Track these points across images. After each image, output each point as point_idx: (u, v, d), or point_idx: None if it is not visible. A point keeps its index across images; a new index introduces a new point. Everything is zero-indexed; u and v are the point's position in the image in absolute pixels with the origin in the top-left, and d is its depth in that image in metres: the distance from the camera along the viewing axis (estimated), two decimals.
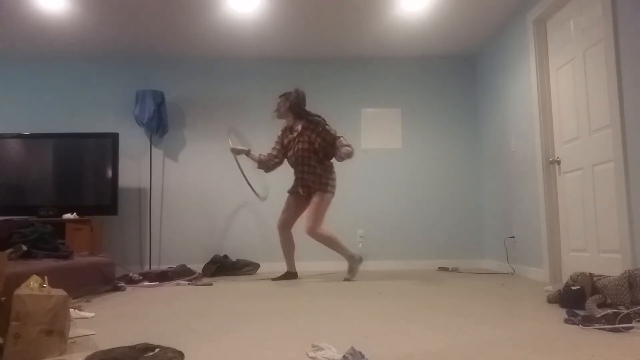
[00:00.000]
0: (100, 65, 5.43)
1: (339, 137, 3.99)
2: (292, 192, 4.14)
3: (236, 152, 4.25)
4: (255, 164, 4.27)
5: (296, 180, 4.12)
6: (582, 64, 3.45)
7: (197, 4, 4.20)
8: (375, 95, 5.47)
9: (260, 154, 4.24)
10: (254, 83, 5.46)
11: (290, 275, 4.21)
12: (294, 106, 4.07)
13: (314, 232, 3.95)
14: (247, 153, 4.23)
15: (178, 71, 5.45)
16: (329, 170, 4.07)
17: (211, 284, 3.89)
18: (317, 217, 3.96)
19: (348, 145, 3.90)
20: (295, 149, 4.03)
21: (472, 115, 5.45)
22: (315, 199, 3.98)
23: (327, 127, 4.02)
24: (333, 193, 4.07)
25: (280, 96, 4.17)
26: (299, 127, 4.06)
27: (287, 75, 5.46)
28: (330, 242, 4.01)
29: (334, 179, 4.08)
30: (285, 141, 4.17)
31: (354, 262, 4.04)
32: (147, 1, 4.15)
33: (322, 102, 5.44)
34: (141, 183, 5.31)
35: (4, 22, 4.45)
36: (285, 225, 4.17)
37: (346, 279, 3.96)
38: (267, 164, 4.22)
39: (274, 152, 4.22)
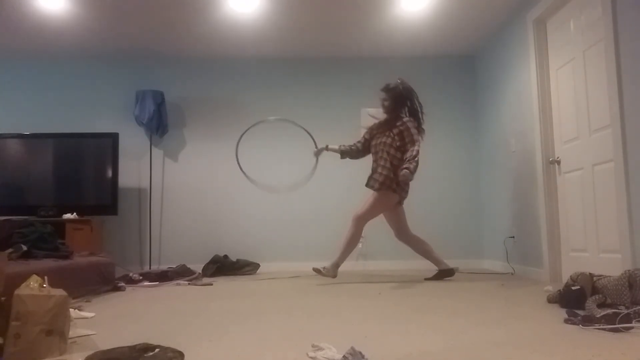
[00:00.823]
0: (100, 65, 5.43)
1: (413, 148, 3.81)
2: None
3: (319, 153, 4.28)
4: (338, 155, 4.25)
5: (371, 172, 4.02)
6: (582, 64, 3.45)
7: (197, 4, 4.20)
8: (375, 95, 5.44)
9: (341, 145, 4.24)
10: (254, 83, 5.46)
11: (447, 272, 4.03)
12: (400, 102, 3.97)
13: (355, 218, 3.89)
14: (326, 148, 4.24)
15: (178, 71, 5.45)
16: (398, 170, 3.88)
17: (211, 284, 3.89)
18: (368, 208, 3.88)
19: (407, 168, 3.70)
20: (378, 141, 3.96)
21: (472, 115, 5.45)
22: (376, 193, 3.90)
23: (413, 131, 3.86)
24: (397, 194, 3.89)
25: (386, 90, 4.00)
26: (394, 122, 3.93)
27: (287, 75, 5.47)
28: (350, 240, 3.90)
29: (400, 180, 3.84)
30: (375, 132, 4.06)
31: (332, 271, 3.86)
32: (147, 1, 4.15)
33: (322, 102, 5.45)
34: (141, 183, 5.31)
35: (4, 22, 4.45)
36: (399, 233, 4.10)
37: (316, 269, 3.87)
38: (350, 153, 4.21)
39: (361, 140, 4.19)
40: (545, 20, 3.95)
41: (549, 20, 3.92)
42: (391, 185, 3.85)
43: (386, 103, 4.00)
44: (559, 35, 3.77)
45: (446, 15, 4.48)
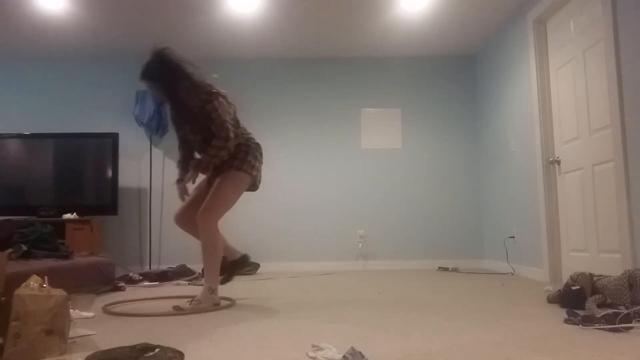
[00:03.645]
0: (100, 65, 5.42)
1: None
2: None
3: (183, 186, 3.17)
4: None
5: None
6: (582, 64, 3.45)
7: (197, 4, 4.20)
8: (375, 95, 5.47)
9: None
10: (254, 83, 5.46)
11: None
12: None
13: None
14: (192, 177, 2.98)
15: None
16: None
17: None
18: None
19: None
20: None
21: (472, 115, 5.45)
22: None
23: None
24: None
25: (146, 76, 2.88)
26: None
27: (288, 75, 5.46)
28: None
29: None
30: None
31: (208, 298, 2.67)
32: (147, 2, 4.15)
33: (322, 102, 5.45)
34: (141, 183, 5.31)
35: (4, 22, 4.45)
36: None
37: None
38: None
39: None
40: (545, 20, 3.95)
41: (549, 20, 3.92)
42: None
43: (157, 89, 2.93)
44: (559, 35, 3.77)
45: (446, 16, 4.48)
